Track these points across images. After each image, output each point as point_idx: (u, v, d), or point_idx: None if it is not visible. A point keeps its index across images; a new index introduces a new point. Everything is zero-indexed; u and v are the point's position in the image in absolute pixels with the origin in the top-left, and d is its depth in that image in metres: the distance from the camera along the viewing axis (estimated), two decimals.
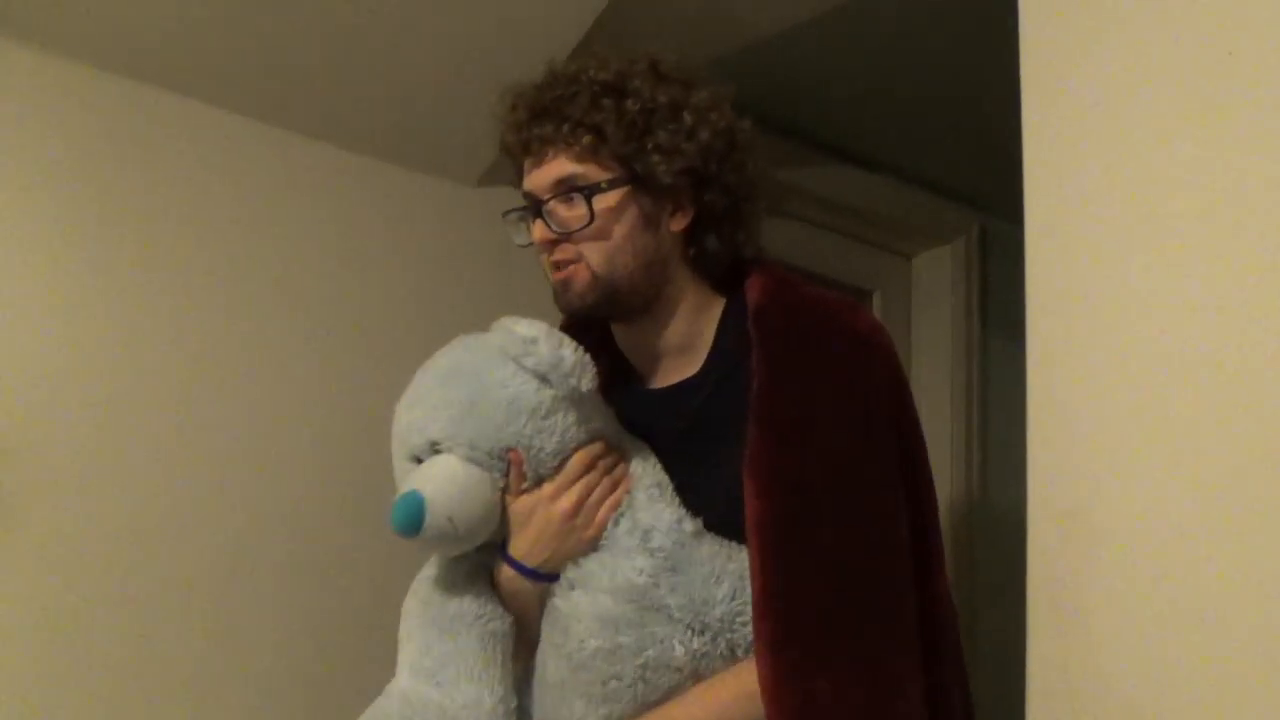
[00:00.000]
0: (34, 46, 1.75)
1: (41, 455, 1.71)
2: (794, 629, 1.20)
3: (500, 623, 1.28)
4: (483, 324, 1.35)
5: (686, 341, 1.38)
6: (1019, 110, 1.26)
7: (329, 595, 1.94)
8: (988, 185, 2.74)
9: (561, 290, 1.35)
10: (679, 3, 2.05)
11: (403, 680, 1.27)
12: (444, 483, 1.22)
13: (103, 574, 1.74)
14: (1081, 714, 1.12)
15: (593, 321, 1.40)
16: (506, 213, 1.41)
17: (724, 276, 1.41)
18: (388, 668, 1.31)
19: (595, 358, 1.30)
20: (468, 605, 1.28)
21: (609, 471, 1.30)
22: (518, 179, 1.39)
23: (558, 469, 1.27)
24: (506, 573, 1.30)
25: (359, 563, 1.94)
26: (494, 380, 1.25)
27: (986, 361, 2.87)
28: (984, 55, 1.72)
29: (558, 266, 1.34)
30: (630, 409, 1.39)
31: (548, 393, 1.25)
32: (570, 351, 1.25)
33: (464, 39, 1.91)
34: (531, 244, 1.37)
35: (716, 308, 1.40)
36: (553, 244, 1.33)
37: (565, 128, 1.30)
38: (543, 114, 1.32)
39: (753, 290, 1.36)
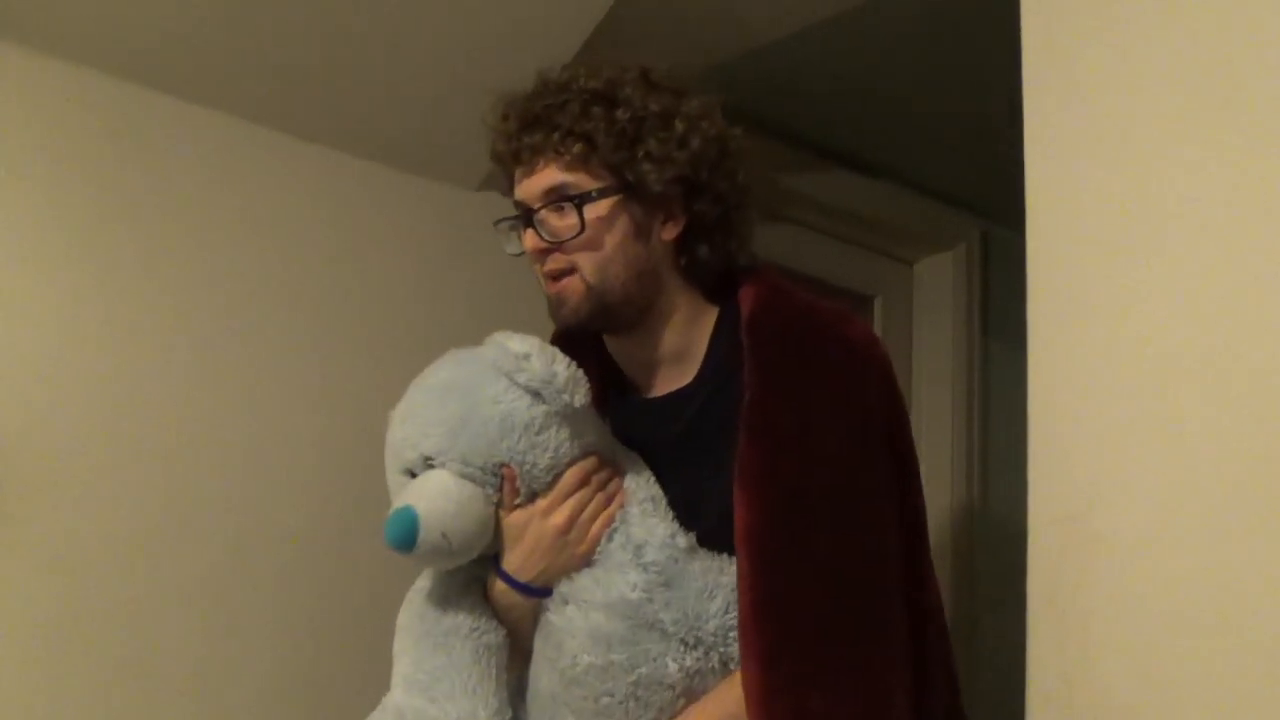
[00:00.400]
0: (34, 49, 1.74)
1: (42, 458, 1.70)
2: (786, 641, 1.18)
3: (494, 636, 1.28)
4: (484, 328, 1.34)
5: (680, 351, 1.37)
6: (1021, 116, 1.26)
7: (330, 596, 1.93)
8: (990, 191, 2.73)
9: (556, 306, 1.34)
10: (681, 8, 2.04)
11: (397, 695, 1.26)
12: (438, 498, 1.21)
13: (103, 575, 1.73)
14: None
15: (585, 332, 1.39)
16: (498, 221, 1.40)
17: (717, 285, 1.40)
18: (388, 672, 1.30)
19: (587, 369, 1.28)
20: (462, 619, 1.27)
21: (603, 487, 1.29)
22: (509, 188, 1.38)
23: (552, 484, 1.27)
24: (500, 586, 1.29)
25: (359, 565, 1.91)
26: (487, 396, 1.24)
27: (988, 367, 2.87)
28: (986, 60, 1.72)
29: (552, 278, 1.33)
30: (624, 420, 1.38)
31: (540, 408, 1.24)
32: (563, 367, 1.24)
33: (465, 43, 1.91)
34: (523, 253, 1.35)
35: (710, 317, 1.38)
36: (544, 253, 1.32)
37: (556, 136, 1.30)
38: (533, 123, 1.31)
39: (746, 299, 1.35)
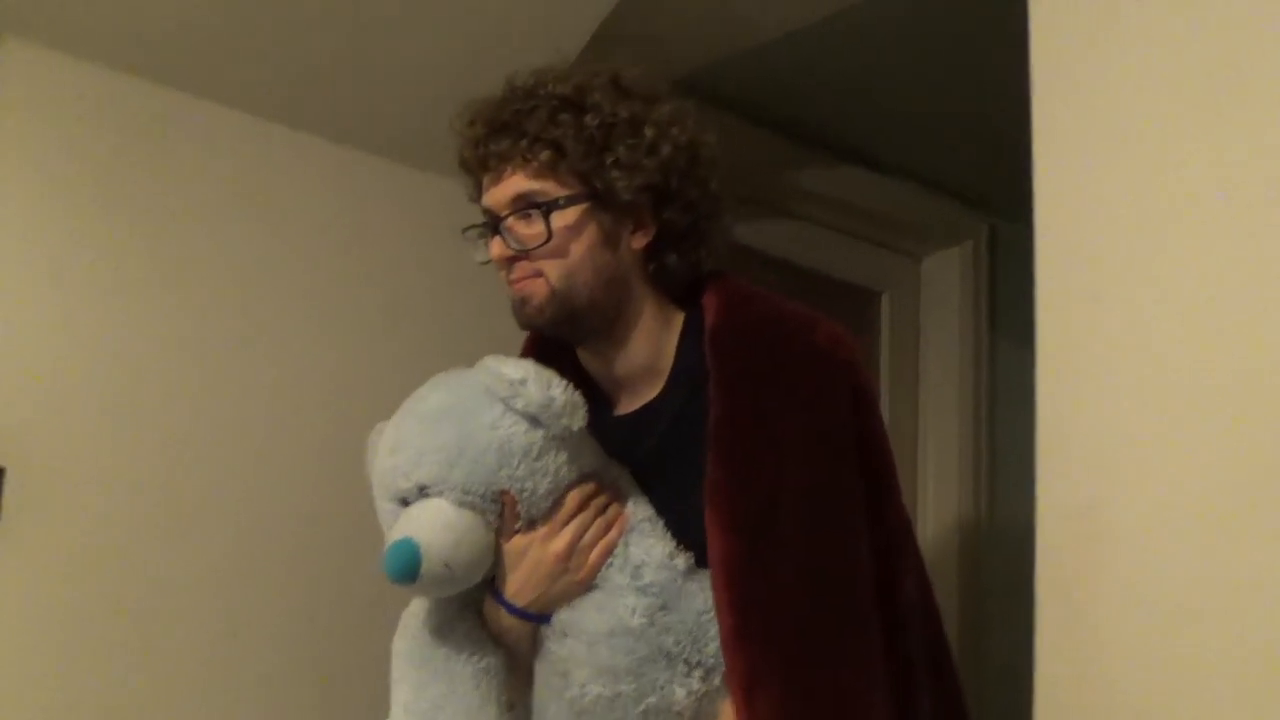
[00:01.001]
0: (44, 45, 1.73)
1: (51, 451, 1.70)
2: (765, 666, 1.16)
3: (493, 659, 1.25)
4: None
5: (649, 362, 1.33)
6: (1029, 112, 1.27)
7: (338, 591, 1.91)
8: (997, 187, 2.73)
9: (520, 306, 1.30)
10: (686, 4, 2.05)
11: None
12: (438, 529, 1.18)
13: (111, 575, 1.73)
14: (1090, 715, 1.12)
15: (559, 346, 1.35)
16: (466, 229, 1.36)
17: (684, 291, 1.36)
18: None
19: None
20: (460, 643, 1.24)
21: (602, 512, 1.25)
22: (476, 195, 1.34)
23: (551, 510, 1.23)
24: (496, 610, 1.26)
25: (368, 560, 1.92)
26: (483, 423, 1.20)
27: (995, 363, 2.86)
28: (994, 56, 1.72)
29: (516, 281, 1.30)
30: (599, 437, 1.32)
31: (539, 434, 1.21)
32: (560, 391, 1.20)
33: (473, 40, 1.90)
34: (490, 261, 1.32)
35: (677, 324, 1.34)
36: (511, 261, 1.29)
37: (523, 143, 1.26)
38: (500, 129, 1.27)
39: (709, 308, 1.32)
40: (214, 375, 1.87)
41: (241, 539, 1.86)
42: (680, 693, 1.21)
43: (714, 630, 1.21)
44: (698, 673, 1.21)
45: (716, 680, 1.21)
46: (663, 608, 1.21)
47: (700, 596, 1.23)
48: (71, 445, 1.73)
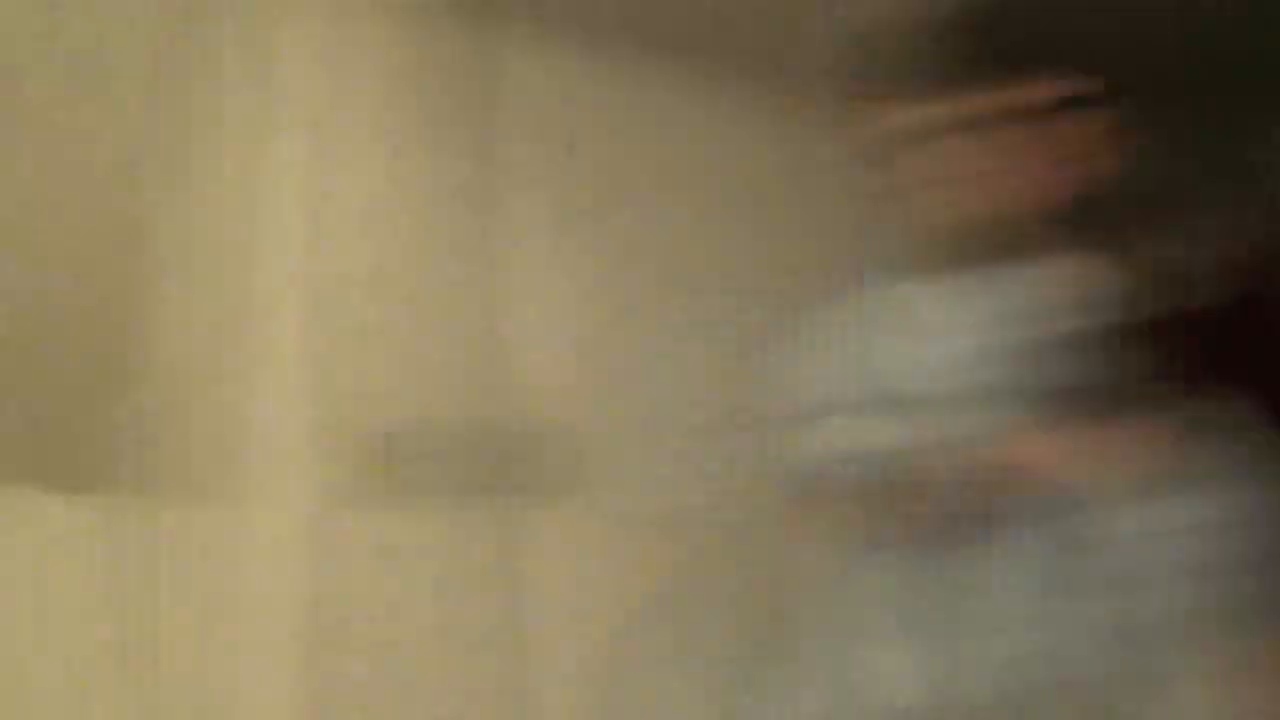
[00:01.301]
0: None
1: (612, 421, 1.88)
2: None
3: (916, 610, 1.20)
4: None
5: None
6: None
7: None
8: None
9: (953, 224, 1.27)
10: None
11: (816, 651, 1.26)
12: (855, 436, 1.20)
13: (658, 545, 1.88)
14: None
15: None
16: (879, 141, 1.31)
17: None
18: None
19: None
20: (873, 598, 1.22)
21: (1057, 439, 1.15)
22: (914, 109, 1.28)
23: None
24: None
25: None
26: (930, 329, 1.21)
27: None
28: None
29: (953, 198, 1.26)
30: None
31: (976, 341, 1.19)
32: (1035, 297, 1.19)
33: None
34: (919, 180, 1.28)
35: None
36: (948, 181, 1.25)
37: (988, 56, 1.24)
38: (960, 43, 1.25)
39: None
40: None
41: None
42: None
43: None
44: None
45: None
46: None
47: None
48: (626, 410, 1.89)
